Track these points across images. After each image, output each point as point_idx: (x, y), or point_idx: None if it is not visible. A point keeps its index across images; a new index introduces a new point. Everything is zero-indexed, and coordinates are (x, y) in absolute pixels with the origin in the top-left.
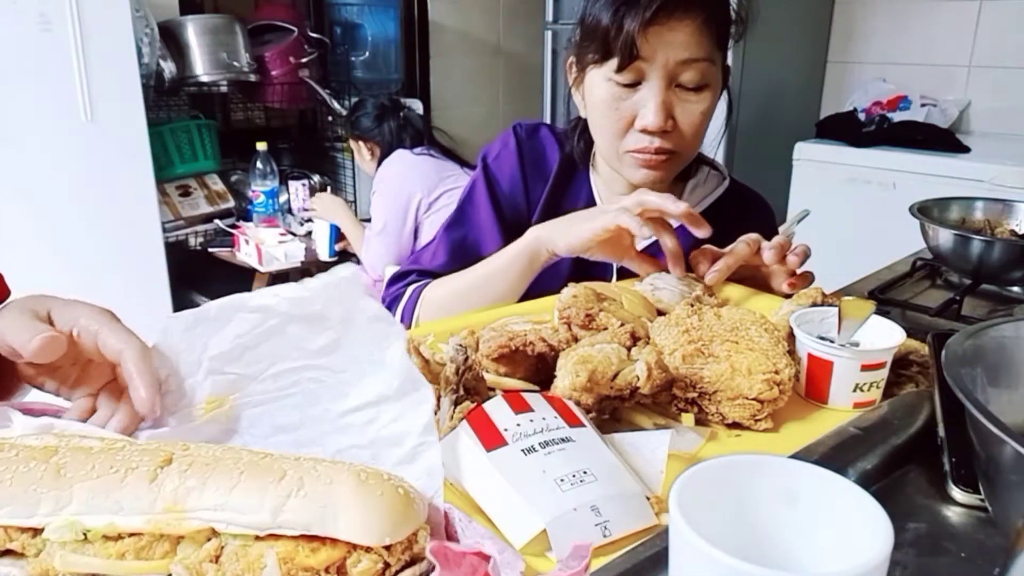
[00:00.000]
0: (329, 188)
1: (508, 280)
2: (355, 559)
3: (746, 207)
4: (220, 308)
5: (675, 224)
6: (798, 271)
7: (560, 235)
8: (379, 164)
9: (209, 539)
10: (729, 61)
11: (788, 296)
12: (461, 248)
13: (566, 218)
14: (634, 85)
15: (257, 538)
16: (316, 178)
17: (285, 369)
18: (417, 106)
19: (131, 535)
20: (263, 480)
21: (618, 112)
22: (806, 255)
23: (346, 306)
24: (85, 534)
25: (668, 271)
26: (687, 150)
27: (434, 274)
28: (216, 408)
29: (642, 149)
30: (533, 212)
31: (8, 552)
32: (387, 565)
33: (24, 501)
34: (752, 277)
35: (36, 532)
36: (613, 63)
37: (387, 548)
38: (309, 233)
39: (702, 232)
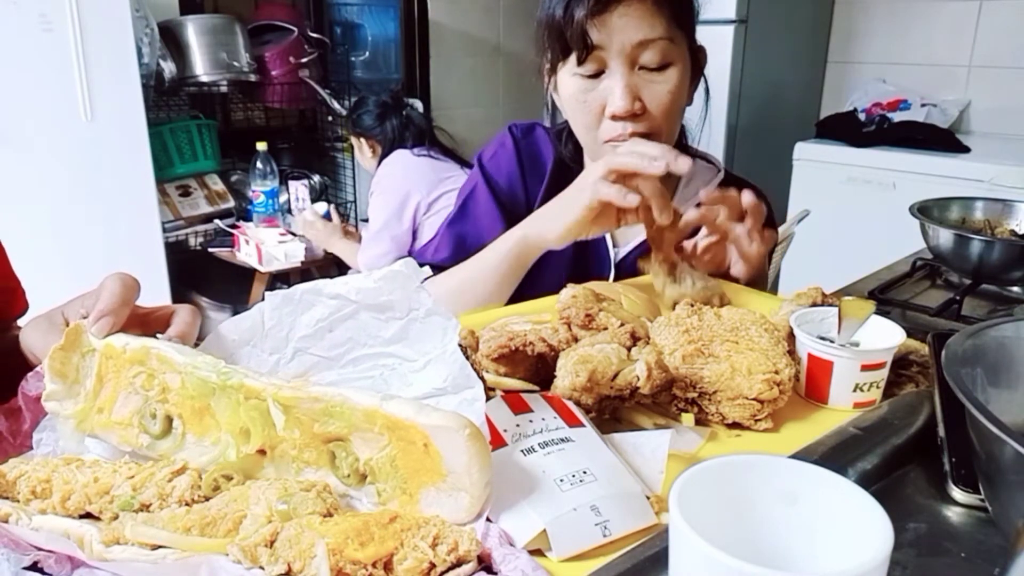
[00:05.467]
0: (328, 197)
1: (497, 279)
2: (401, 556)
3: None
4: (304, 292)
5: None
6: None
7: (548, 229)
8: (379, 162)
9: (270, 521)
10: (728, 59)
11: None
12: (464, 242)
13: (548, 209)
14: (597, 75)
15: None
16: (316, 178)
17: (362, 355)
18: (417, 106)
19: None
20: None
21: (587, 104)
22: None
23: (408, 298)
24: (145, 507)
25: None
26: (662, 131)
27: (437, 268)
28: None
29: (616, 136)
30: (531, 208)
31: (87, 515)
32: (432, 565)
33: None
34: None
35: (113, 498)
36: (574, 57)
37: (433, 547)
38: None
39: (682, 165)
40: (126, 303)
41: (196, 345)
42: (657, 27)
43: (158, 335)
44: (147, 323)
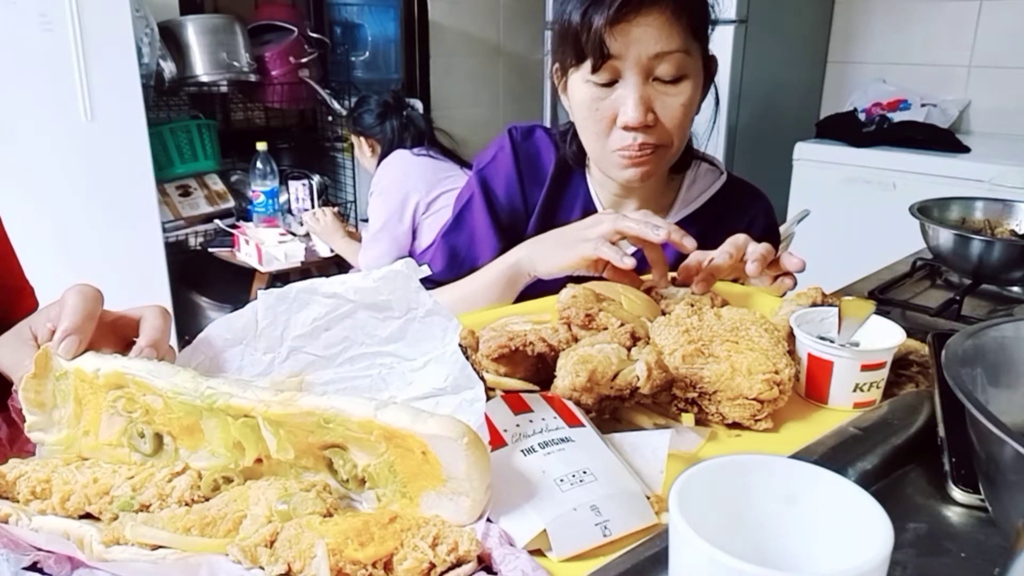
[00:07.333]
0: (328, 197)
1: (490, 299)
2: (401, 556)
3: (745, 200)
4: (299, 290)
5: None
6: (784, 272)
7: (541, 259)
8: (379, 162)
9: (270, 521)
10: (728, 59)
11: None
12: (458, 255)
13: (549, 239)
14: (611, 84)
15: (319, 520)
16: (316, 178)
17: (359, 354)
18: (417, 106)
19: (201, 499)
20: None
21: (598, 112)
22: (797, 269)
23: (407, 298)
24: (145, 507)
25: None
26: (672, 143)
27: (433, 282)
28: (294, 383)
29: (627, 147)
30: (531, 214)
31: (87, 515)
32: (432, 565)
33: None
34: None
35: (113, 499)
36: (588, 64)
37: (433, 547)
38: (309, 233)
39: (688, 244)
40: (90, 316)
41: (187, 344)
42: (675, 39)
43: (133, 340)
44: (116, 329)
